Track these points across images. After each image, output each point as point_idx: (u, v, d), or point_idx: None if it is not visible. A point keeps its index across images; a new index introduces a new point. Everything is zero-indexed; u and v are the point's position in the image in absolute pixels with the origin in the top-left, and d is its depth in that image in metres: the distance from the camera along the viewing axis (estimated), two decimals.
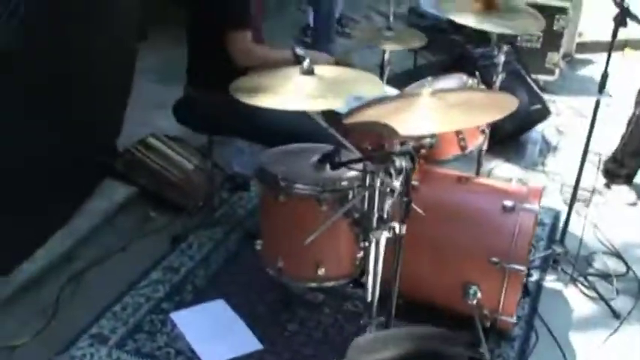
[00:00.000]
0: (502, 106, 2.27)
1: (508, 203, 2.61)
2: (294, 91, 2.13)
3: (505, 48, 3.04)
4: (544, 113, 4.45)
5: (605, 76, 2.87)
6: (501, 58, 3.04)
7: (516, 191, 2.74)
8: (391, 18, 3.30)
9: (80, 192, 3.28)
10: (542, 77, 5.10)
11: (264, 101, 2.08)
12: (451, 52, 3.54)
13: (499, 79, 3.09)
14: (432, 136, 2.61)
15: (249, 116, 2.92)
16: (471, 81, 2.86)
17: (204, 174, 3.55)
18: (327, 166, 2.39)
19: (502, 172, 4.09)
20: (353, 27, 5.46)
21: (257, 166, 2.63)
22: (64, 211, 3.13)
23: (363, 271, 2.25)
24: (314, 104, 2.04)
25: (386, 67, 3.37)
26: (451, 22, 6.22)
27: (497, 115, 2.25)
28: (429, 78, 3.18)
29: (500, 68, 3.07)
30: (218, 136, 3.26)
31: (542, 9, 4.99)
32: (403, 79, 3.30)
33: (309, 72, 2.14)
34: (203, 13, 2.91)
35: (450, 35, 5.89)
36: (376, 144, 2.25)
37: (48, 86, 2.70)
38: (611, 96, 3.89)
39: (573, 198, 3.15)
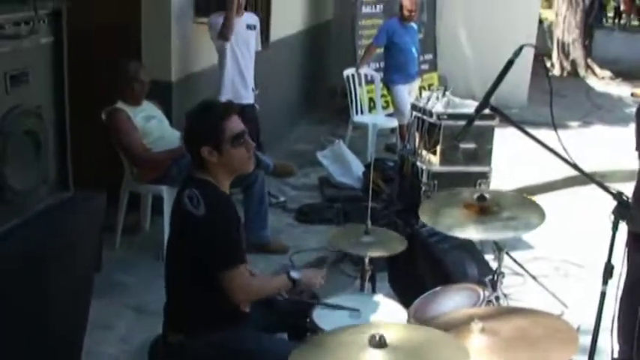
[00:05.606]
0: (562, 337, 2.09)
1: None
2: None
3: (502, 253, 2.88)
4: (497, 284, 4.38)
5: None
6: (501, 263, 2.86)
7: None
8: None
9: None
10: None
11: None
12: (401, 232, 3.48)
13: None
14: None
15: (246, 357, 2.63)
16: (486, 293, 2.67)
17: None
18: None
19: None
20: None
21: None
22: None
23: None
24: None
25: (367, 272, 3.18)
26: (368, 191, 6.27)
27: (564, 356, 2.06)
28: (439, 288, 2.97)
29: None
30: None
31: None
32: None
33: (381, 345, 1.74)
34: (190, 258, 2.55)
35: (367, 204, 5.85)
36: None
37: None
38: None
39: None
